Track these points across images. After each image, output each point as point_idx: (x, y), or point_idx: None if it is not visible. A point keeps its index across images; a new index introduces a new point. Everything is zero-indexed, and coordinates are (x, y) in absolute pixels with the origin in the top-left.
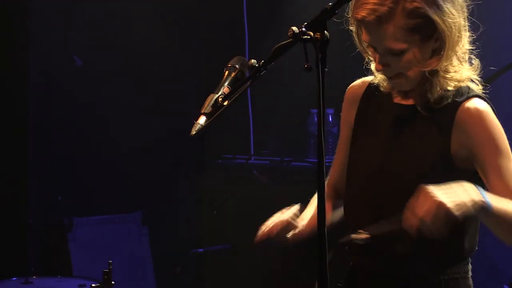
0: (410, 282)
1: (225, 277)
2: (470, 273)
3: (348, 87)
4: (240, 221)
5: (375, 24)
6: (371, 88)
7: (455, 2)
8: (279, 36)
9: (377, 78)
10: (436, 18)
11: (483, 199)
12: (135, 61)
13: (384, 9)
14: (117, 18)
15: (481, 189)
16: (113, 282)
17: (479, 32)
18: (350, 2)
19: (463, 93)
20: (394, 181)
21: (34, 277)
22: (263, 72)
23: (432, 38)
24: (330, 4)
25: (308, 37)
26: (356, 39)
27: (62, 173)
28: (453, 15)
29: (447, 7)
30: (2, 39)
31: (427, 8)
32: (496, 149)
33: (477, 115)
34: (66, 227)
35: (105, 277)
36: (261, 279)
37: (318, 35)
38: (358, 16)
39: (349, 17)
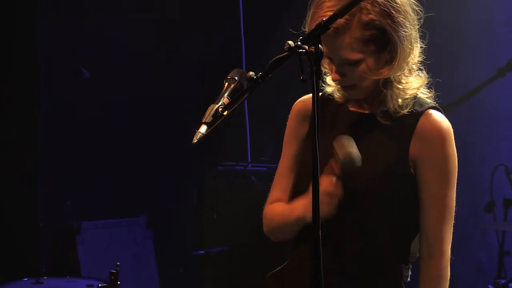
0: (358, 282)
1: (225, 278)
2: (409, 278)
3: (297, 102)
4: (239, 225)
5: (332, 36)
6: (322, 101)
7: (408, 14)
8: (275, 49)
9: (330, 89)
10: (389, 30)
11: None
12: (138, 72)
13: (341, 21)
14: (118, 31)
15: None
16: (119, 283)
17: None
18: (307, 16)
19: (422, 104)
20: (349, 187)
21: (45, 277)
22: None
23: (386, 49)
24: (324, 19)
25: (303, 50)
26: None
27: (70, 180)
28: (406, 27)
29: (401, 19)
30: (11, 49)
31: (382, 20)
32: (445, 176)
33: (439, 132)
34: (74, 231)
35: (112, 277)
36: (260, 280)
37: (312, 48)
38: None
39: (305, 31)
